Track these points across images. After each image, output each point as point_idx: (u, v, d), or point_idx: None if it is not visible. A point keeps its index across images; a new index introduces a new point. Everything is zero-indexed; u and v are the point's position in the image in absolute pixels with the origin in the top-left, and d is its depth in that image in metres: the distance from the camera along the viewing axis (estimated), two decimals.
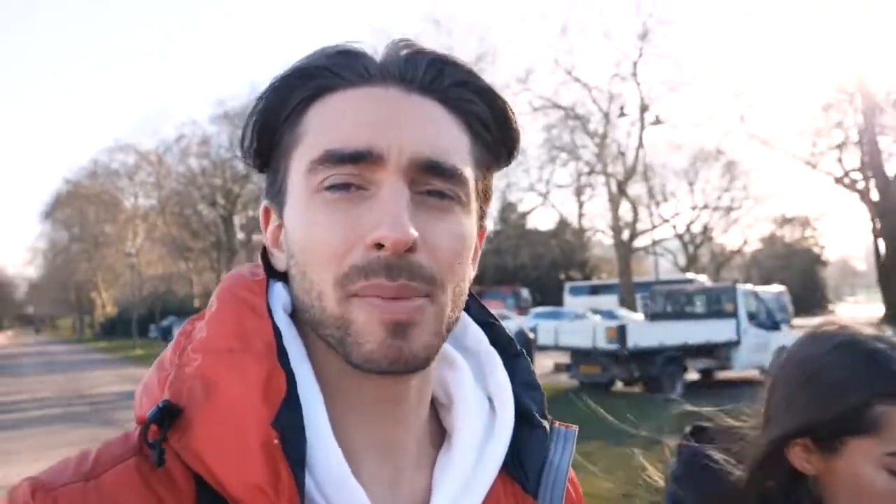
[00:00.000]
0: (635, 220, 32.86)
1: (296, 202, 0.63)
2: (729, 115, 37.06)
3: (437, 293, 0.60)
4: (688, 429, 1.15)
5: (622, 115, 30.11)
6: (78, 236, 48.87)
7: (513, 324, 18.65)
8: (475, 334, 0.75)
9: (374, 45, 0.65)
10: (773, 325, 14.00)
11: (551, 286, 39.78)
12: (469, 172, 0.63)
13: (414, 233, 0.57)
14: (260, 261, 0.68)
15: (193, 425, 0.57)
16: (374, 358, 0.58)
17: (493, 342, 0.74)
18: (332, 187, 0.60)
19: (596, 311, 25.82)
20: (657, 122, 29.14)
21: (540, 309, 27.48)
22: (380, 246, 0.57)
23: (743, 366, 13.43)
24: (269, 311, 0.62)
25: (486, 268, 39.22)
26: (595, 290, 35.73)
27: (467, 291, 0.66)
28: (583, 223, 40.08)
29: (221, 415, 0.56)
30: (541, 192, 35.72)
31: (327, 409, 0.61)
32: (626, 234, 32.55)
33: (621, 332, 12.25)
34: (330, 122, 0.61)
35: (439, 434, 0.70)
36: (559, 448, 0.72)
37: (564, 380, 13.69)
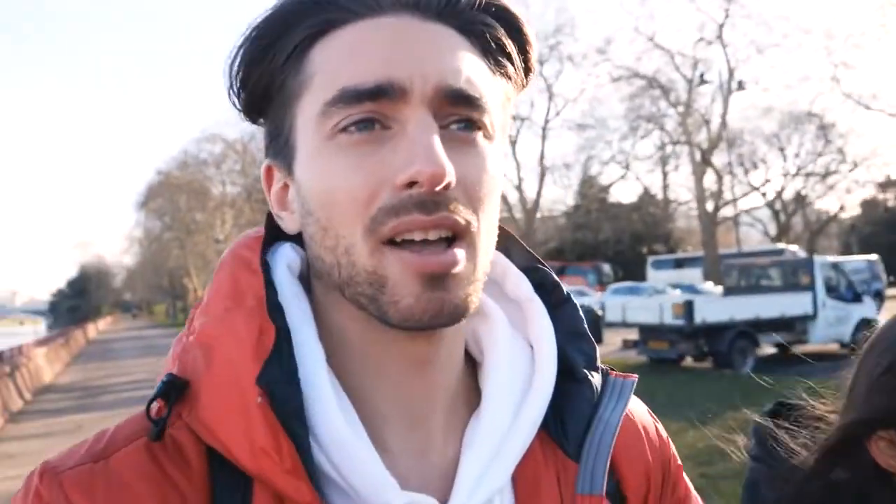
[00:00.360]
0: (720, 189, 32.15)
1: (308, 153, 0.58)
2: (822, 76, 35.55)
3: (472, 235, 0.57)
4: (766, 406, 1.07)
5: (703, 82, 29.45)
6: (170, 224, 51.58)
7: (588, 301, 18.87)
8: (517, 281, 0.70)
9: None
10: (855, 298, 13.78)
11: (634, 261, 39.39)
12: (493, 101, 0.60)
13: (451, 167, 0.54)
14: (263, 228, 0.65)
15: (199, 395, 0.56)
16: (415, 313, 0.55)
17: (539, 288, 0.70)
18: (350, 127, 0.56)
19: (677, 286, 25.59)
20: (741, 87, 28.36)
21: (618, 285, 27.43)
22: (411, 185, 0.54)
23: (820, 340, 13.33)
24: (268, 268, 0.61)
25: (566, 243, 39.22)
26: (679, 264, 35.16)
27: (496, 234, 0.63)
28: (667, 194, 39.44)
29: (220, 379, 0.55)
30: (623, 163, 35.39)
31: (348, 378, 0.60)
32: (710, 205, 31.92)
33: (688, 307, 12.42)
34: (342, 59, 0.57)
35: (475, 394, 0.66)
36: (612, 402, 0.67)
37: (633, 356, 13.95)
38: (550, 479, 0.64)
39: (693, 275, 30.76)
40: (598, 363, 0.70)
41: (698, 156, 31.64)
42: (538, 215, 34.17)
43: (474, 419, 0.64)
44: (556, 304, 0.70)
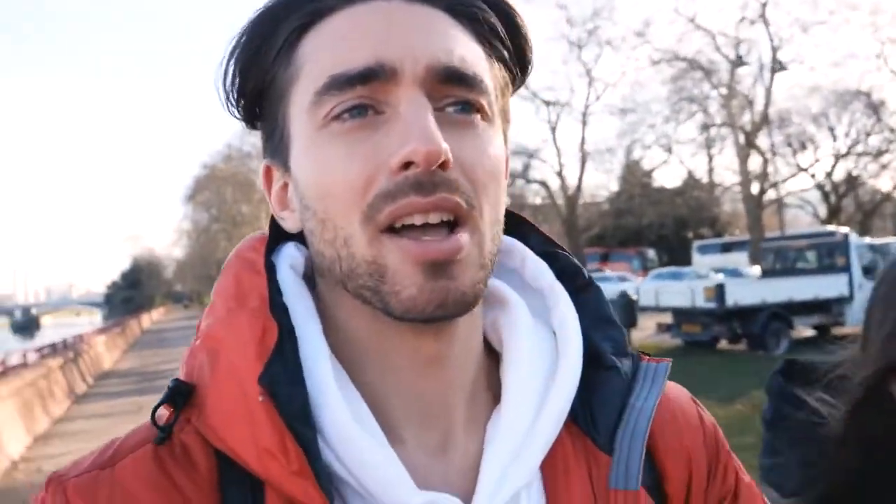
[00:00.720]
0: (765, 171, 31.84)
1: (302, 145, 0.57)
2: (868, 53, 34.77)
3: (476, 218, 0.55)
4: (777, 366, 1.01)
5: (740, 63, 29.19)
6: (217, 217, 52.95)
7: (629, 286, 19.10)
8: (536, 268, 0.68)
9: None
10: None
11: (679, 246, 39.25)
12: (490, 82, 0.59)
13: (445, 144, 0.52)
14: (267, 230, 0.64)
15: (206, 399, 0.56)
16: (418, 304, 0.53)
17: (560, 274, 0.68)
18: (342, 115, 0.55)
19: (720, 270, 25.61)
20: (781, 67, 28.06)
21: (660, 270, 27.55)
22: (407, 166, 0.53)
23: (857, 322, 13.29)
24: (273, 268, 0.60)
25: (608, 229, 39.24)
26: (726, 248, 34.90)
27: (503, 221, 0.61)
28: (713, 178, 39.10)
29: (225, 381, 0.55)
30: (666, 147, 35.23)
31: (357, 374, 0.58)
32: (755, 187, 31.66)
33: (719, 290, 12.71)
34: (330, 47, 0.56)
35: (498, 388, 0.63)
36: (645, 389, 0.63)
37: (668, 340, 14.28)
38: (581, 473, 0.61)
39: (740, 259, 30.59)
40: (629, 348, 0.67)
41: (742, 138, 31.40)
42: (580, 201, 34.26)
43: (496, 413, 0.62)
44: (579, 289, 0.68)
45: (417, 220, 0.54)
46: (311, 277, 0.63)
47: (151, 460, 0.55)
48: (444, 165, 0.53)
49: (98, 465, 0.56)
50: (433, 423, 0.60)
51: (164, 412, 0.57)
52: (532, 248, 0.69)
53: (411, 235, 0.54)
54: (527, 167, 34.11)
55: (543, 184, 34.16)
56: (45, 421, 11.67)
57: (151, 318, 50.43)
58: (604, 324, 0.67)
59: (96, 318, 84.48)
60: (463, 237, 0.54)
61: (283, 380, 0.54)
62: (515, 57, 0.63)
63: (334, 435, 0.55)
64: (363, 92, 0.55)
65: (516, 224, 0.69)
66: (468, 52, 0.58)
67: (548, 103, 32.31)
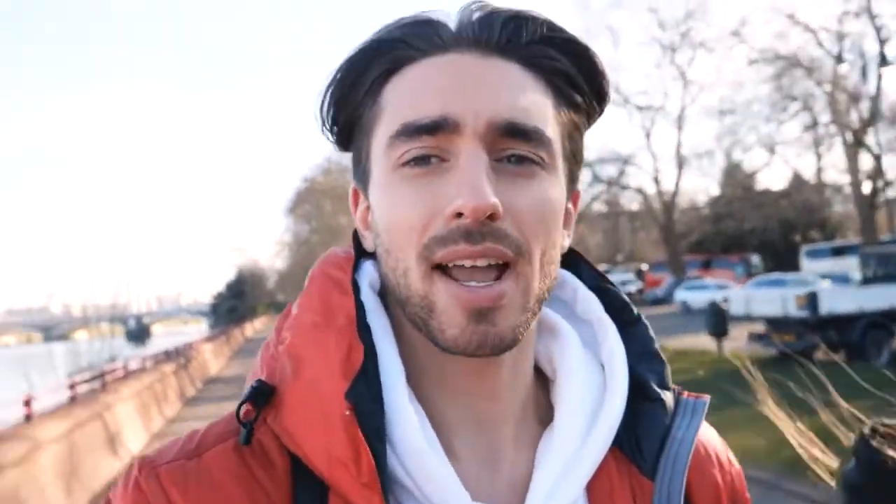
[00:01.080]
0: (879, 169, 30.40)
1: (378, 181, 0.64)
2: None
3: (523, 264, 0.60)
4: (866, 428, 0.86)
5: (840, 60, 28.01)
6: (316, 229, 54.51)
7: (732, 293, 18.65)
8: (587, 301, 0.73)
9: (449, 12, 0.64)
10: None
11: (786, 250, 37.81)
12: (553, 133, 0.63)
13: (494, 199, 0.57)
14: (352, 244, 0.70)
15: (284, 403, 0.60)
16: (459, 343, 0.59)
17: (608, 308, 0.73)
18: (410, 162, 0.60)
19: (828, 276, 24.62)
20: (884, 62, 26.80)
21: (761, 277, 26.78)
22: (459, 216, 0.57)
23: None
24: (357, 287, 0.64)
25: (708, 234, 38.32)
26: (837, 252, 33.17)
27: (559, 260, 0.65)
28: (822, 178, 37.55)
29: (306, 390, 0.59)
30: (769, 147, 34.21)
31: (416, 387, 0.63)
32: (867, 187, 30.28)
33: (811, 298, 12.48)
34: (406, 95, 0.62)
35: (548, 410, 0.68)
36: (685, 422, 0.68)
37: (760, 350, 14.08)
38: (626, 497, 0.65)
39: (852, 263, 29.21)
40: (669, 383, 0.71)
41: (850, 136, 30.12)
42: (678, 207, 33.74)
43: (547, 433, 0.66)
44: (627, 323, 0.72)
45: (467, 263, 0.59)
46: (383, 295, 0.68)
47: (234, 454, 0.60)
48: (493, 217, 0.57)
49: (185, 454, 0.60)
50: (483, 433, 0.65)
51: (245, 409, 0.61)
52: (584, 282, 0.75)
53: (461, 277, 0.59)
54: (621, 173, 33.92)
55: (639, 190, 33.86)
56: (160, 421, 12.90)
57: (254, 328, 52.48)
58: (649, 358, 0.71)
59: (203, 326, 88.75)
60: (508, 285, 0.59)
61: (366, 397, 0.58)
62: (591, 95, 0.67)
63: (404, 449, 0.59)
64: (429, 142, 0.60)
65: (572, 259, 0.75)
66: (532, 104, 0.62)
67: (641, 108, 32.10)
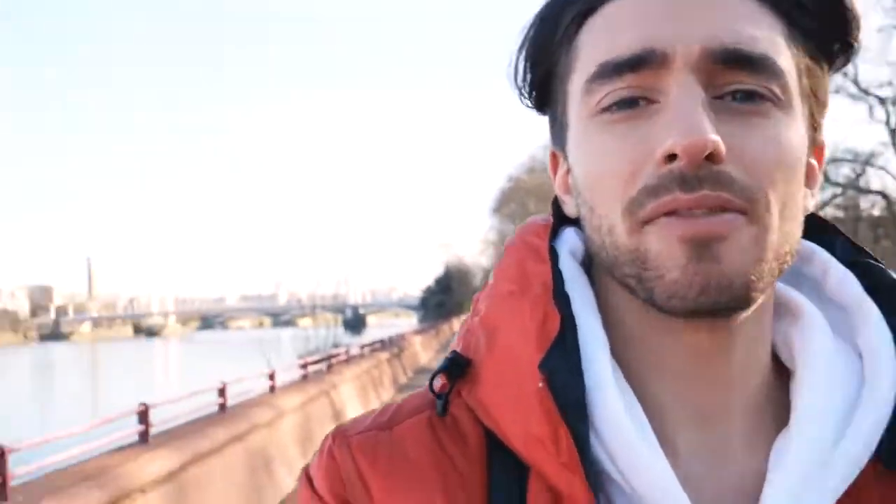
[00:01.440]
0: None
1: (576, 134, 0.57)
2: None
3: (757, 209, 0.50)
4: None
5: None
6: None
7: None
8: (842, 279, 0.61)
9: None
10: None
11: None
12: (786, 63, 0.53)
13: (713, 136, 0.48)
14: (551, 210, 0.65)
15: (479, 376, 0.58)
16: (679, 289, 0.50)
17: (872, 289, 0.60)
18: (612, 106, 0.53)
19: None
20: None
21: None
22: (672, 159, 0.49)
23: None
24: (555, 255, 0.60)
25: None
26: None
27: (801, 221, 0.55)
28: None
29: (501, 361, 0.57)
30: None
31: (625, 367, 0.56)
32: None
33: None
34: (604, 33, 0.55)
35: (784, 407, 0.57)
36: None
37: None
38: None
39: None
40: None
41: None
42: None
43: (783, 435, 0.55)
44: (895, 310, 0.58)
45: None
46: (587, 264, 0.62)
47: (426, 427, 0.59)
48: (713, 158, 0.49)
49: (378, 425, 0.60)
50: (707, 427, 0.56)
51: (439, 381, 0.60)
52: (838, 258, 0.63)
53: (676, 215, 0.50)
54: (860, 175, 31.16)
55: (882, 194, 30.88)
56: (376, 404, 14.23)
57: (461, 322, 54.62)
58: None
59: (412, 319, 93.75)
60: (734, 216, 0.50)
61: (563, 369, 0.53)
62: (833, 29, 0.56)
63: (608, 433, 0.52)
64: (633, 81, 0.52)
65: (821, 228, 0.64)
66: (758, 27, 0.52)
67: (883, 100, 29.32)
